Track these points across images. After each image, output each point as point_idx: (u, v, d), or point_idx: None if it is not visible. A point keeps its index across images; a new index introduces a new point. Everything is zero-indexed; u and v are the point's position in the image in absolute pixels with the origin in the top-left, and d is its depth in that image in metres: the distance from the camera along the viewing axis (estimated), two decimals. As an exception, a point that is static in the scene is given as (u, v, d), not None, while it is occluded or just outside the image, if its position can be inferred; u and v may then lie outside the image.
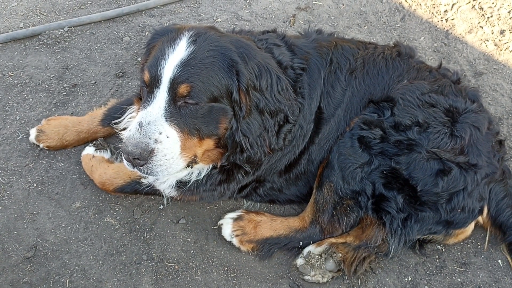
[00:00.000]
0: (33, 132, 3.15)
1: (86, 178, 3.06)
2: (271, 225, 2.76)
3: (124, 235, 2.86)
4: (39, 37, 3.79)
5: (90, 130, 3.14)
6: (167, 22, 3.97)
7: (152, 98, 2.15)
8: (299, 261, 2.68)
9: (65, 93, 3.50)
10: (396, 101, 2.58)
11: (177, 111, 2.13)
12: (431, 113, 2.53)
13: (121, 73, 3.63)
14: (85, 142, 3.21)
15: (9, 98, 3.44)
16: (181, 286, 2.68)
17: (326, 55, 2.72)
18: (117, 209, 2.96)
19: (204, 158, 2.42)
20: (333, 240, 2.69)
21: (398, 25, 4.02)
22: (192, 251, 2.80)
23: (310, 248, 2.68)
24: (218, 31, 2.41)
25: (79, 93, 3.51)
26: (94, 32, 3.89)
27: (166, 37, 2.33)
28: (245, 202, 2.98)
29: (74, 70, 3.64)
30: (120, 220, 2.91)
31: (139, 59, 3.73)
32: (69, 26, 3.86)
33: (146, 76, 2.21)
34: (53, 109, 3.41)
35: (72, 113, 3.38)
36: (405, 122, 2.51)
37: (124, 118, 2.92)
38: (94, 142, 3.15)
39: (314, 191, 2.74)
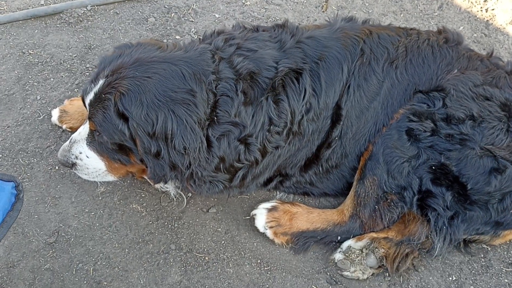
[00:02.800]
0: (55, 113, 3.05)
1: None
2: (308, 218, 2.65)
3: (151, 222, 2.75)
4: (61, 15, 3.68)
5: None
6: (193, 4, 3.85)
7: (86, 120, 2.39)
8: (338, 256, 2.58)
9: (87, 74, 3.39)
10: (448, 91, 2.46)
11: (95, 139, 2.34)
12: (486, 107, 2.41)
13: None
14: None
15: (29, 77, 3.34)
16: (212, 278, 2.57)
17: (354, 46, 2.57)
18: (143, 195, 2.86)
19: (146, 175, 2.52)
20: (374, 234, 2.58)
21: (436, 13, 3.90)
22: (223, 242, 2.70)
23: (350, 242, 2.58)
24: (149, 56, 2.28)
25: (103, 74, 3.39)
26: (118, 12, 3.77)
27: (100, 65, 2.39)
28: (277, 193, 2.87)
29: (97, 50, 3.53)
30: (146, 207, 2.81)
31: (164, 40, 3.61)
32: (92, 4, 3.75)
33: (81, 98, 2.40)
34: (75, 90, 3.30)
35: (95, 95, 3.26)
36: (458, 115, 2.40)
37: None
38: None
39: (354, 184, 2.63)
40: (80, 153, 2.40)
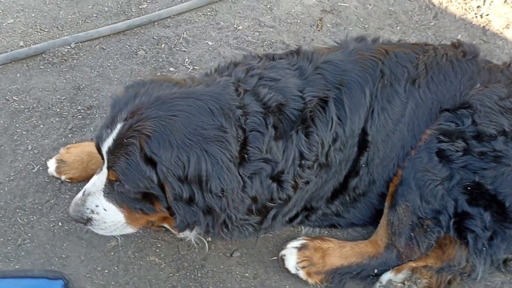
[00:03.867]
0: (52, 164, 2.84)
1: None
2: (341, 253, 2.53)
3: (171, 275, 2.57)
4: (43, 55, 3.48)
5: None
6: (183, 33, 3.71)
7: (100, 169, 2.23)
8: (378, 290, 2.45)
9: (80, 117, 3.19)
10: (475, 107, 2.40)
11: (114, 189, 2.16)
12: None
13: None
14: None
15: (17, 125, 3.12)
16: (246, 330, 2.40)
17: (373, 68, 2.50)
18: (159, 245, 2.67)
19: (168, 223, 2.41)
20: (413, 264, 2.47)
21: (432, 23, 3.89)
22: (252, 288, 2.53)
23: (389, 275, 2.46)
24: (169, 97, 2.11)
25: (97, 116, 3.21)
26: (104, 47, 3.60)
27: (114, 107, 2.23)
28: (302, 227, 2.74)
29: (87, 91, 3.34)
30: (164, 258, 2.62)
31: (158, 74, 3.45)
32: (76, 41, 3.56)
33: (96, 147, 2.23)
34: (69, 135, 3.10)
35: (91, 139, 3.07)
36: (489, 132, 2.34)
37: None
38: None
39: (385, 211, 2.53)
40: (97, 206, 2.20)
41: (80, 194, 2.27)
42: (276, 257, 2.64)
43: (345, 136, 2.36)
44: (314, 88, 2.30)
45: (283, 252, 2.56)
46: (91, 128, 3.14)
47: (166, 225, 2.48)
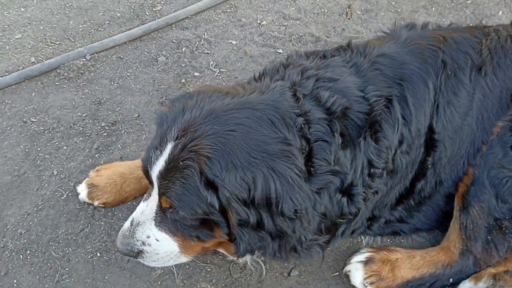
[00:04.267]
0: (82, 189, 2.63)
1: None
2: (411, 263, 2.31)
3: (226, 302, 2.36)
4: (58, 71, 3.26)
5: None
6: (204, 34, 3.47)
7: (149, 195, 2.03)
8: (458, 303, 2.24)
9: (105, 134, 2.97)
10: (549, 92, 2.16)
11: (167, 217, 1.98)
12: None
13: (166, 100, 3.11)
14: (147, 190, 2.69)
15: (38, 149, 2.90)
16: None
17: (433, 58, 2.26)
18: (209, 269, 2.47)
19: (224, 248, 2.22)
20: (492, 270, 2.27)
21: (469, 1, 3.64)
22: (317, 310, 2.32)
23: (468, 285, 2.27)
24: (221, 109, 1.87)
25: (123, 131, 2.99)
26: (121, 57, 3.36)
27: (162, 125, 1.98)
28: (362, 238, 2.52)
29: (108, 105, 3.11)
30: (217, 284, 2.42)
31: (183, 80, 3.22)
32: (91, 53, 3.33)
33: (143, 171, 2.04)
34: (96, 156, 2.88)
35: (121, 157, 2.87)
36: None
37: None
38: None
39: (456, 214, 2.31)
40: (148, 237, 2.00)
41: (127, 224, 2.06)
42: (337, 273, 2.44)
43: (411, 136, 2.13)
44: (375, 87, 2.07)
45: (347, 268, 2.35)
46: (119, 145, 2.92)
47: (222, 250, 2.27)
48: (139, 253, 2.03)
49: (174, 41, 3.45)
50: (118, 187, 2.61)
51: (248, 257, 2.33)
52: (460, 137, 2.26)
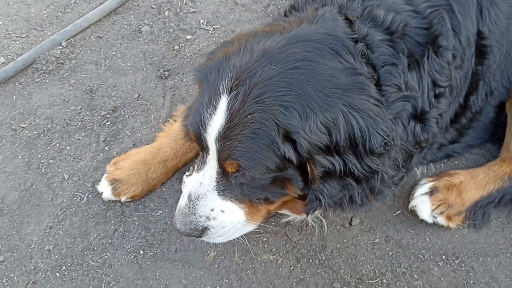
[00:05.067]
0: (104, 186, 2.40)
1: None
2: (476, 183, 2.22)
3: (293, 268, 2.23)
4: (34, 66, 2.92)
5: (178, 153, 2.43)
6: (183, -9, 3.16)
7: (203, 163, 1.79)
8: (532, 212, 2.15)
9: (109, 123, 2.70)
10: None
11: (231, 182, 1.76)
12: None
13: (165, 72, 2.85)
14: (174, 172, 2.49)
15: (39, 156, 2.62)
16: (403, 301, 2.10)
17: None
18: (264, 239, 2.31)
19: (289, 208, 2.03)
20: (559, 171, 2.16)
21: None
22: (390, 254, 2.22)
23: (540, 189, 2.15)
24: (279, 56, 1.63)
25: (127, 116, 2.73)
26: (100, 36, 3.04)
27: (207, 80, 1.71)
28: (416, 169, 2.39)
29: (102, 91, 2.83)
30: (278, 252, 2.27)
31: (176, 47, 2.94)
32: (66, 38, 3.00)
33: (191, 135, 1.81)
34: (106, 148, 2.62)
35: (134, 144, 2.63)
36: None
37: None
38: (191, 168, 2.42)
39: (511, 122, 2.20)
40: (212, 210, 1.80)
41: (184, 201, 1.83)
42: (399, 211, 2.32)
43: (462, 47, 1.96)
44: None
45: (412, 203, 2.24)
46: (127, 132, 2.67)
47: (285, 211, 2.10)
48: (204, 230, 1.83)
49: (153, 6, 3.14)
50: (144, 176, 2.38)
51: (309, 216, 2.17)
52: (507, 39, 2.11)
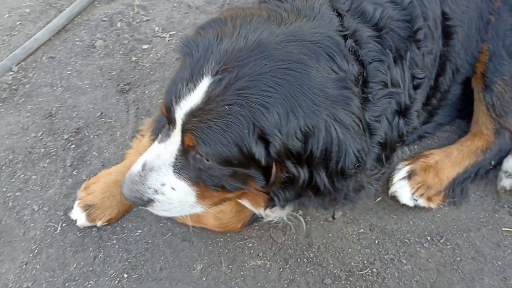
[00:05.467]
0: (78, 213, 2.33)
1: (184, 230, 2.32)
2: (451, 161, 2.26)
3: (282, 269, 2.21)
4: (-14, 95, 2.78)
5: (151, 171, 2.34)
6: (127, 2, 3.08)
7: (166, 137, 1.74)
8: (507, 182, 2.23)
9: (73, 146, 2.62)
10: None
11: (189, 163, 1.70)
12: None
13: (125, 86, 2.78)
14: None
15: (3, 189, 2.52)
16: (394, 286, 2.11)
17: None
18: (250, 245, 2.28)
19: (249, 199, 1.95)
20: (530, 137, 2.22)
21: None
22: (376, 242, 2.25)
23: (512, 160, 2.21)
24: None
25: (92, 136, 2.65)
26: (52, 56, 2.94)
27: (191, 55, 1.65)
28: (392, 156, 2.40)
29: (62, 113, 2.74)
30: (265, 256, 2.25)
31: (133, 58, 2.87)
32: (16, 63, 2.88)
33: (163, 108, 1.73)
34: (74, 173, 2.53)
35: (102, 165, 2.55)
36: None
37: None
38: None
39: (478, 96, 2.28)
40: (163, 185, 1.74)
41: (137, 168, 1.77)
42: (380, 198, 2.34)
43: (431, 32, 1.96)
44: None
45: (392, 189, 2.26)
46: (94, 153, 2.59)
47: (244, 202, 2.03)
48: (150, 201, 1.79)
49: (104, 19, 3.05)
50: (118, 197, 2.32)
51: (283, 214, 2.15)
52: (468, 16, 2.15)
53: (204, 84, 1.55)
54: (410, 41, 1.82)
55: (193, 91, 1.56)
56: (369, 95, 1.66)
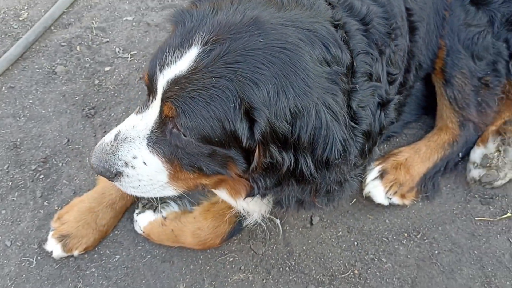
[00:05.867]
0: (53, 245, 2.29)
1: (163, 250, 2.30)
2: (420, 157, 2.32)
3: (265, 281, 2.23)
4: None
5: (125, 193, 2.30)
6: (92, 23, 3.07)
7: (145, 108, 1.66)
8: (476, 172, 2.28)
9: (42, 176, 2.57)
10: None
11: (165, 137, 1.62)
12: None
13: (90, 110, 2.75)
14: (124, 212, 2.40)
15: (-27, 228, 2.43)
16: (378, 285, 2.15)
17: None
18: (231, 259, 2.29)
19: (228, 188, 1.85)
20: (493, 127, 2.34)
21: None
22: (355, 243, 2.27)
23: (479, 151, 2.31)
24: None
25: (60, 164, 2.60)
26: (12, 85, 2.88)
27: (183, 23, 1.61)
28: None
29: (27, 144, 2.68)
30: (247, 269, 2.26)
31: (96, 81, 2.84)
32: (-26, 96, 2.79)
33: (145, 77, 1.66)
34: (45, 204, 2.49)
35: (74, 193, 2.51)
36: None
37: None
38: (140, 204, 2.35)
39: (440, 91, 2.34)
40: (134, 158, 1.65)
41: (109, 137, 1.69)
42: (354, 199, 2.38)
43: (399, 29, 1.99)
44: None
45: (366, 189, 2.29)
46: (64, 181, 2.54)
47: (221, 191, 1.93)
48: (117, 174, 1.69)
49: (63, 44, 3.00)
50: (93, 225, 2.29)
51: (256, 216, 2.11)
52: (426, 12, 2.20)
53: (193, 52, 1.49)
54: (389, 37, 1.86)
55: (179, 59, 1.49)
56: (356, 85, 1.65)
